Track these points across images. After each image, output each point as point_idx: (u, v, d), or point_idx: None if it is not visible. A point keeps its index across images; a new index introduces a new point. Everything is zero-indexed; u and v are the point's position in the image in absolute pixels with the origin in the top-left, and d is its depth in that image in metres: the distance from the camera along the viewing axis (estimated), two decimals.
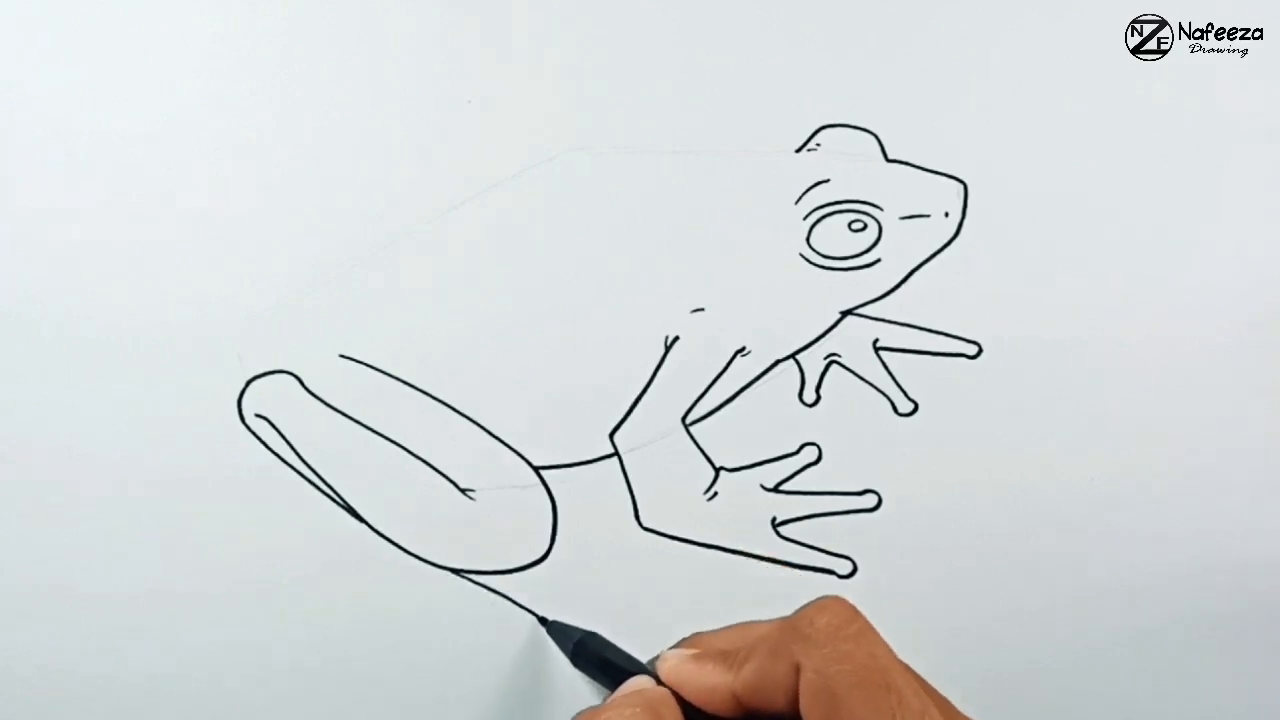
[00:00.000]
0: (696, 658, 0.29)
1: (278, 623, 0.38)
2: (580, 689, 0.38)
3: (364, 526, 0.38)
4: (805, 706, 0.25)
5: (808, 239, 0.41)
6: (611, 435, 0.40)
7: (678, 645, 0.31)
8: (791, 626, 0.27)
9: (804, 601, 0.32)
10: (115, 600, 0.37)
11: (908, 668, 0.26)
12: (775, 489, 0.40)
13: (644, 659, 0.33)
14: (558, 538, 0.39)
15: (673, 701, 0.28)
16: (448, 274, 0.40)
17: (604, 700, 0.32)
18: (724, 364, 0.41)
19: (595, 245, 0.41)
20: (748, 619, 0.34)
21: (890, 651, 0.26)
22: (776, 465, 0.40)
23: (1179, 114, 0.43)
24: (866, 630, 0.26)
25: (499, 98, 0.41)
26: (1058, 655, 0.40)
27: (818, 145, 0.42)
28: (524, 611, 0.38)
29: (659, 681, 0.30)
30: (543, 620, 0.38)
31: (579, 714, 0.28)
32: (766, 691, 0.27)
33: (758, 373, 0.41)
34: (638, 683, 0.30)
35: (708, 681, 0.28)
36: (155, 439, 0.38)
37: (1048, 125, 0.43)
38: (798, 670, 0.26)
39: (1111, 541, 0.41)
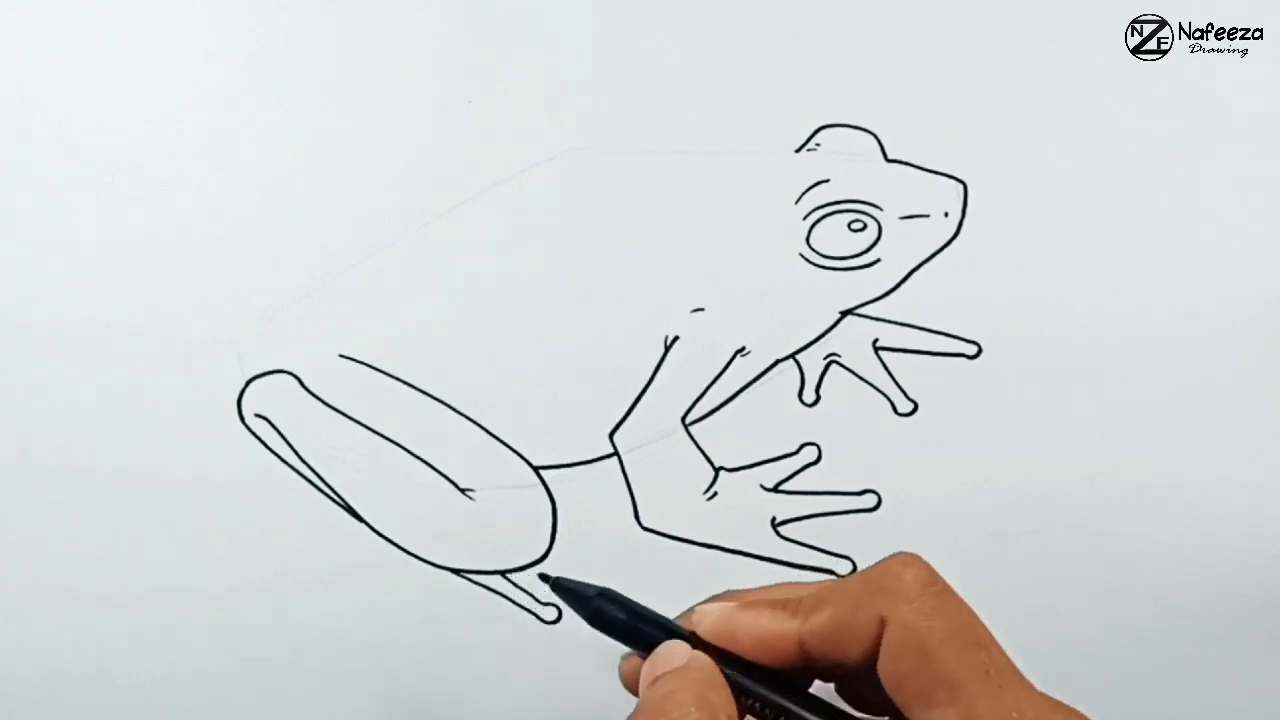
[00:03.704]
0: (745, 606, 0.28)
1: (278, 622, 0.38)
2: (580, 686, 0.38)
3: (364, 526, 0.38)
4: (890, 659, 0.25)
5: (808, 239, 0.41)
6: (611, 435, 0.40)
7: (710, 600, 0.29)
8: (875, 580, 0.26)
9: None
10: (115, 600, 0.37)
11: None
12: (775, 489, 0.40)
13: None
14: (557, 538, 0.39)
15: (718, 676, 0.27)
16: (447, 274, 0.40)
17: (623, 658, 0.30)
18: (724, 364, 0.41)
19: (595, 245, 0.41)
20: None
21: (974, 611, 0.26)
22: (776, 465, 0.40)
23: (1179, 114, 0.43)
24: (949, 589, 0.26)
25: (499, 98, 0.41)
26: (1058, 655, 0.40)
27: (818, 145, 0.42)
28: (524, 611, 0.38)
29: (691, 642, 0.28)
30: (544, 577, 0.36)
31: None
32: (841, 641, 0.26)
33: (758, 373, 0.41)
34: (673, 653, 0.28)
35: (768, 628, 0.27)
36: (155, 439, 0.38)
37: (1048, 125, 0.43)
38: (880, 623, 0.25)
39: (1111, 541, 0.41)
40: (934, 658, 0.24)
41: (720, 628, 0.28)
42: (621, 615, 0.31)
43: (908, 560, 0.27)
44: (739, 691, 0.27)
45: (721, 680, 0.27)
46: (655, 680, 0.27)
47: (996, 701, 0.24)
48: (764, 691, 0.27)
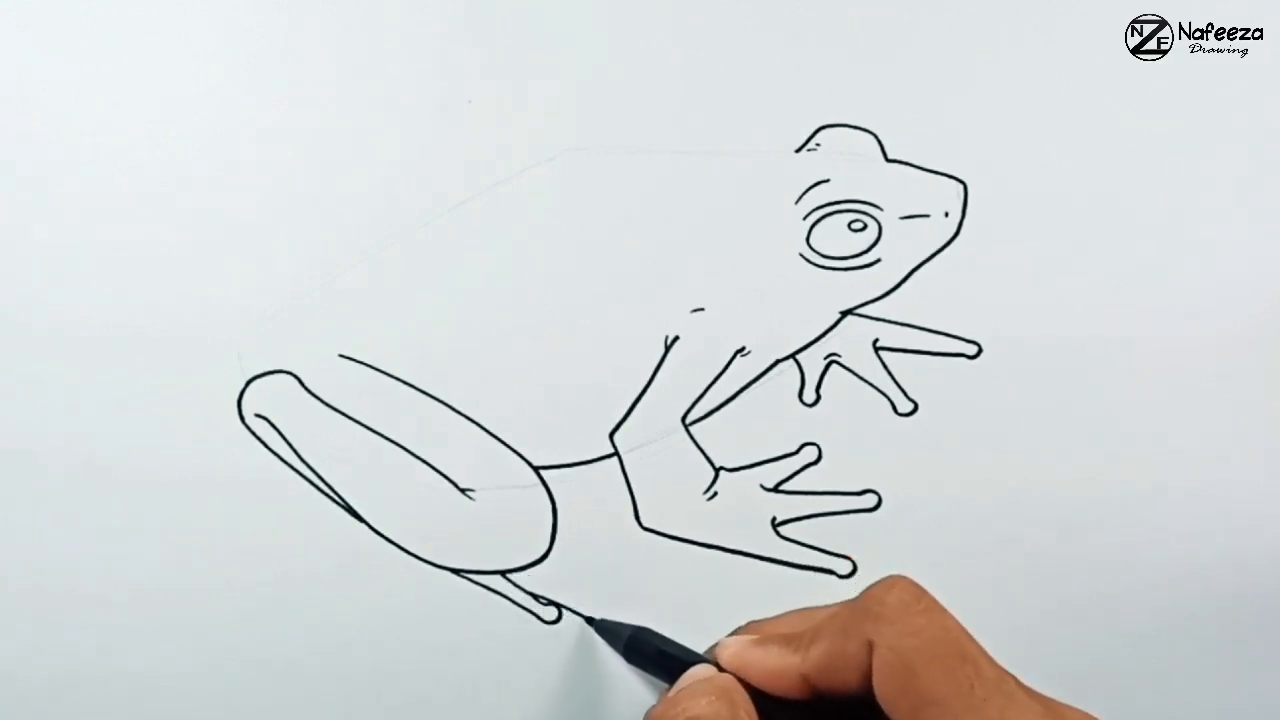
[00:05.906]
0: (759, 641, 0.29)
1: (277, 623, 0.38)
2: (580, 686, 0.38)
3: (364, 526, 0.38)
4: (880, 683, 0.25)
5: (808, 239, 0.41)
6: (611, 435, 0.40)
7: (734, 633, 0.31)
8: (860, 606, 0.27)
9: (804, 602, 0.32)
10: (115, 600, 0.37)
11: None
12: (775, 489, 0.40)
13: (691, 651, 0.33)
14: (558, 538, 0.39)
15: (740, 687, 0.28)
16: (447, 274, 0.40)
17: (662, 693, 0.32)
18: (724, 364, 0.41)
19: (595, 245, 0.41)
20: (748, 619, 0.34)
21: (961, 625, 0.26)
22: (776, 465, 0.40)
23: (1179, 114, 0.43)
24: (935, 606, 0.26)
25: (499, 98, 0.41)
26: (1058, 655, 0.40)
27: (818, 145, 0.42)
28: (524, 611, 0.38)
29: (719, 669, 0.30)
30: (589, 620, 0.38)
31: (650, 710, 0.29)
32: (838, 671, 0.27)
33: (758, 373, 0.41)
34: (701, 671, 0.30)
35: (775, 664, 0.28)
36: (155, 439, 0.38)
37: (1048, 125, 0.43)
38: (870, 649, 0.26)
39: (1112, 541, 0.41)
40: (918, 677, 0.25)
41: (736, 662, 0.29)
42: (653, 649, 0.33)
43: (892, 583, 0.27)
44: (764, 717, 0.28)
45: (743, 690, 0.28)
46: (680, 690, 0.29)
47: (981, 716, 0.24)
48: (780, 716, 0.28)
